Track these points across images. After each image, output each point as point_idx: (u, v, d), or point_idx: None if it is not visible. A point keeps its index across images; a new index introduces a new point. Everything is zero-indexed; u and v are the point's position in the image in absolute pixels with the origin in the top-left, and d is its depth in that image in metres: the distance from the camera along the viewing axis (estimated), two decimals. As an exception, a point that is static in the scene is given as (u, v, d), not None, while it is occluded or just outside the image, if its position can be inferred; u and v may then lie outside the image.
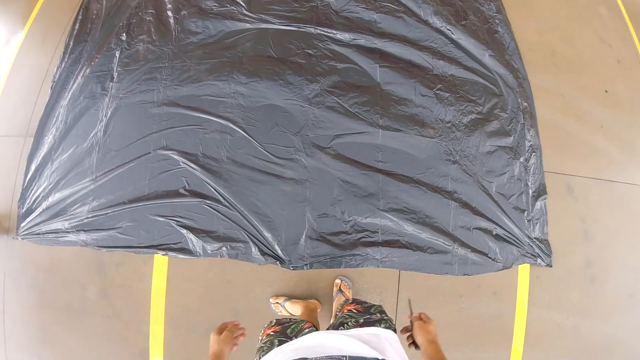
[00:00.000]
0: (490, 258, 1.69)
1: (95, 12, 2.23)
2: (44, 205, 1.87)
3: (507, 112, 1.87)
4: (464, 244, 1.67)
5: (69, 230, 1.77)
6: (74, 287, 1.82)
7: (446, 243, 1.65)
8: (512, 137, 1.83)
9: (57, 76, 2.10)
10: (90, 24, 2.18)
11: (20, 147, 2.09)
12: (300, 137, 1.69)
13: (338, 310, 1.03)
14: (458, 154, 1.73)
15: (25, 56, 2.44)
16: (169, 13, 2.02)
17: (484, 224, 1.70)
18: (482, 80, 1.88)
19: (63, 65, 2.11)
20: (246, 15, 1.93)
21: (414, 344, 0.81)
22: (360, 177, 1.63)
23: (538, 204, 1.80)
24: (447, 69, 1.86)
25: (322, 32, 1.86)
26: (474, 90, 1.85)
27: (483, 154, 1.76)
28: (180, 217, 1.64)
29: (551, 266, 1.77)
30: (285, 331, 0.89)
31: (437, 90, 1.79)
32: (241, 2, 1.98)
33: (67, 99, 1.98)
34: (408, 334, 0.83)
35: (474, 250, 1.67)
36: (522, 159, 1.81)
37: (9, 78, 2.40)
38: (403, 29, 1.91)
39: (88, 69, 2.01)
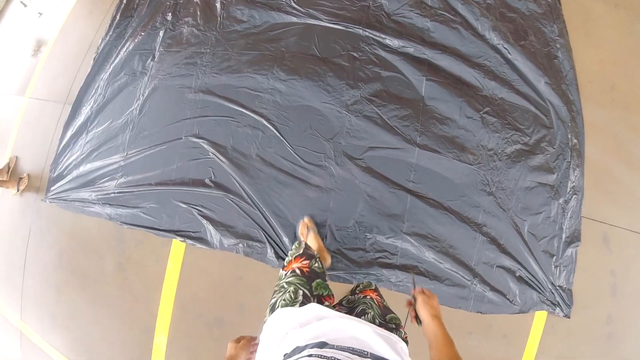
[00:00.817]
0: (508, 299, 1.52)
1: (144, -14, 2.12)
2: (74, 173, 1.83)
3: (555, 147, 1.65)
4: (483, 281, 1.50)
5: (95, 201, 1.71)
6: (93, 255, 1.79)
7: (465, 277, 1.49)
8: (555, 175, 1.62)
9: (100, 48, 2.01)
10: (137, 0, 2.08)
11: (59, 113, 2.04)
12: (332, 144, 1.54)
13: (358, 290, 0.94)
14: (495, 185, 1.54)
15: (73, 24, 2.37)
16: (216, -2, 1.89)
17: (509, 263, 1.53)
18: (533, 109, 1.65)
19: (108, 37, 2.02)
20: (294, 8, 1.76)
21: (416, 318, 0.76)
22: (388, 195, 1.48)
23: (569, 251, 1.60)
24: (497, 91, 1.64)
25: (370, 35, 1.66)
26: (524, 118, 1.64)
27: (521, 188, 1.56)
28: (203, 207, 1.55)
29: (569, 317, 1.59)
30: (311, 282, 0.83)
31: (483, 113, 1.58)
32: (291, -5, 1.82)
33: (108, 73, 1.90)
34: (411, 307, 0.78)
35: (493, 289, 1.51)
36: (561, 200, 1.60)
37: (56, 43, 2.35)
38: (457, 42, 1.69)
39: (131, 45, 1.91)
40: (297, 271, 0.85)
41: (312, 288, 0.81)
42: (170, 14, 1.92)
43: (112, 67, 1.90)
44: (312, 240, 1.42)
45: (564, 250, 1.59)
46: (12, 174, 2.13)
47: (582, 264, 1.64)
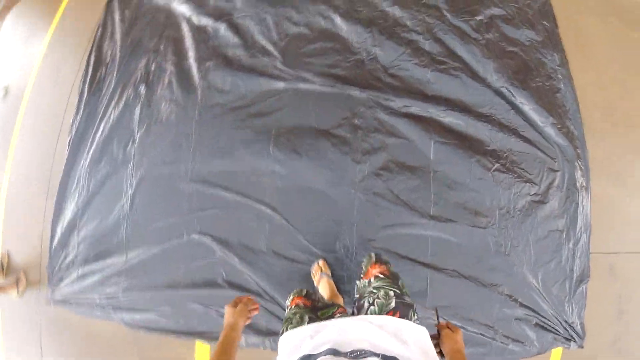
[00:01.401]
0: (526, 346, 1.54)
1: (109, 52, 1.78)
2: (74, 275, 1.63)
3: (563, 189, 1.57)
4: (503, 336, 1.48)
5: (104, 305, 1.57)
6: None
7: (486, 336, 1.45)
8: (564, 219, 1.55)
9: (73, 130, 1.73)
10: (104, 68, 1.75)
11: (43, 205, 1.79)
12: (344, 227, 1.40)
13: (362, 273, 0.90)
14: (509, 243, 1.46)
15: (38, 99, 2.04)
16: (192, 62, 1.61)
17: (525, 313, 1.50)
18: (541, 154, 1.54)
19: (79, 117, 1.73)
20: (281, 71, 1.53)
21: (440, 353, 0.72)
22: (408, 275, 1.40)
23: (580, 289, 1.60)
24: (505, 142, 1.50)
25: (369, 97, 1.47)
26: (532, 166, 1.53)
27: (534, 241, 1.49)
28: (221, 307, 1.43)
29: (582, 347, 1.64)
30: (316, 311, 0.79)
31: (494, 170, 1.46)
32: (275, 53, 1.56)
33: (87, 161, 1.65)
34: (435, 342, 0.73)
35: (513, 340, 1.50)
36: (571, 244, 1.55)
37: (23, 125, 2.03)
38: (460, 91, 1.52)
39: (106, 128, 1.64)
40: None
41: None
42: (143, 86, 1.64)
43: (90, 154, 1.65)
44: (324, 285, 1.34)
45: (575, 290, 1.59)
46: (7, 271, 1.94)
47: (590, 294, 1.66)
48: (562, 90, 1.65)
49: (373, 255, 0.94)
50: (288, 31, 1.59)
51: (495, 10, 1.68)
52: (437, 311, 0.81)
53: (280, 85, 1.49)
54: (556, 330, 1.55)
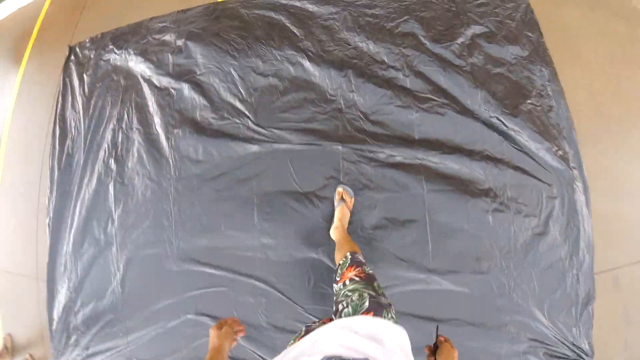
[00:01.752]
0: (538, 376, 1.51)
1: (73, 124, 1.63)
2: (79, 358, 1.61)
3: (564, 215, 1.48)
4: (515, 371, 1.47)
5: (115, 387, 1.54)
6: None
7: (499, 374, 1.45)
8: (567, 246, 1.46)
9: (50, 212, 1.60)
10: (70, 142, 1.60)
11: (35, 289, 1.71)
12: (342, 290, 1.34)
13: (338, 276, 0.87)
14: (513, 282, 1.39)
15: (11, 179, 1.88)
16: (159, 130, 1.46)
17: (534, 346, 1.48)
18: (538, 183, 1.41)
19: (54, 197, 1.60)
20: (254, 131, 1.38)
21: None
22: (412, 331, 1.34)
23: (586, 310, 1.55)
24: (500, 177, 1.38)
25: (351, 150, 1.36)
26: (530, 198, 1.42)
27: (537, 274, 1.43)
28: (227, 384, 1.40)
29: (593, 362, 1.61)
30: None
31: (492, 211, 1.36)
32: (245, 111, 1.41)
33: (70, 245, 1.54)
34: (430, 354, 0.73)
35: (525, 374, 1.48)
36: (574, 270, 1.48)
37: (1, 209, 1.89)
38: (449, 130, 1.37)
39: (83, 208, 1.52)
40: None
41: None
42: (112, 161, 1.50)
43: (71, 236, 1.54)
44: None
45: (581, 313, 1.53)
46: (13, 353, 1.89)
47: (596, 310, 1.61)
48: (555, 108, 1.51)
49: (348, 255, 0.91)
50: (256, 84, 1.43)
51: (476, 29, 1.51)
52: (437, 328, 0.80)
53: (256, 148, 1.36)
54: (565, 355, 1.51)
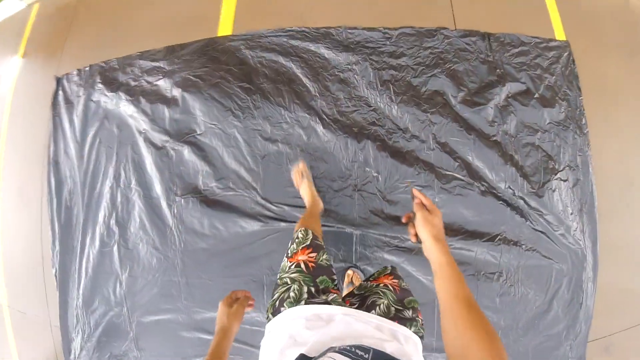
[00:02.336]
0: None
1: (68, 172, 1.47)
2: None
3: (569, 292, 1.42)
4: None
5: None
6: None
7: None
8: (566, 320, 1.43)
9: (56, 263, 1.51)
10: (68, 194, 1.45)
11: (50, 338, 1.69)
12: None
13: (372, 277, 0.82)
14: (510, 357, 1.41)
15: (11, 227, 1.74)
16: (159, 194, 1.30)
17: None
18: (550, 263, 1.32)
19: (57, 249, 1.50)
20: (262, 206, 1.24)
21: (416, 236, 0.59)
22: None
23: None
24: (514, 260, 1.27)
25: (367, 235, 1.23)
26: (539, 278, 1.32)
27: (533, 347, 1.41)
28: None
29: None
30: (316, 278, 0.68)
31: (500, 295, 1.29)
32: (253, 184, 1.24)
33: (80, 300, 1.49)
34: (411, 223, 0.60)
35: None
36: (569, 341, 1.48)
37: (5, 257, 1.78)
38: (469, 212, 1.23)
39: (89, 267, 1.43)
40: (302, 265, 0.70)
41: (317, 284, 0.67)
42: (114, 223, 1.37)
43: (80, 292, 1.47)
44: (305, 189, 1.19)
45: (570, 378, 1.58)
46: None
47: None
48: (581, 181, 1.36)
49: (389, 267, 0.81)
50: (263, 151, 1.24)
51: (512, 86, 1.28)
52: (410, 186, 0.68)
53: (264, 226, 1.23)
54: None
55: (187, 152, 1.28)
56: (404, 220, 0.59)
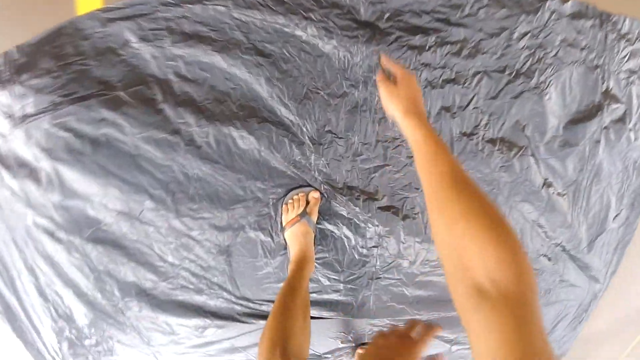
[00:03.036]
0: None
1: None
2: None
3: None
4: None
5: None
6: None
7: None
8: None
9: None
10: None
11: None
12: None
13: None
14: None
15: None
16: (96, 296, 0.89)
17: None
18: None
19: None
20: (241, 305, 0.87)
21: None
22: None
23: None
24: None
25: (384, 321, 0.90)
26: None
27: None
28: None
29: None
30: None
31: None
32: (221, 284, 0.82)
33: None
34: (383, 78, 0.48)
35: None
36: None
37: None
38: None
39: None
40: None
41: None
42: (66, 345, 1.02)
43: None
44: (298, 236, 0.75)
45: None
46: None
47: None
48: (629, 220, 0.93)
49: None
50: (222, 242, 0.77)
51: (611, 111, 0.69)
52: (378, 54, 0.53)
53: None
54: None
55: (102, 252, 0.81)
56: (378, 77, 0.47)
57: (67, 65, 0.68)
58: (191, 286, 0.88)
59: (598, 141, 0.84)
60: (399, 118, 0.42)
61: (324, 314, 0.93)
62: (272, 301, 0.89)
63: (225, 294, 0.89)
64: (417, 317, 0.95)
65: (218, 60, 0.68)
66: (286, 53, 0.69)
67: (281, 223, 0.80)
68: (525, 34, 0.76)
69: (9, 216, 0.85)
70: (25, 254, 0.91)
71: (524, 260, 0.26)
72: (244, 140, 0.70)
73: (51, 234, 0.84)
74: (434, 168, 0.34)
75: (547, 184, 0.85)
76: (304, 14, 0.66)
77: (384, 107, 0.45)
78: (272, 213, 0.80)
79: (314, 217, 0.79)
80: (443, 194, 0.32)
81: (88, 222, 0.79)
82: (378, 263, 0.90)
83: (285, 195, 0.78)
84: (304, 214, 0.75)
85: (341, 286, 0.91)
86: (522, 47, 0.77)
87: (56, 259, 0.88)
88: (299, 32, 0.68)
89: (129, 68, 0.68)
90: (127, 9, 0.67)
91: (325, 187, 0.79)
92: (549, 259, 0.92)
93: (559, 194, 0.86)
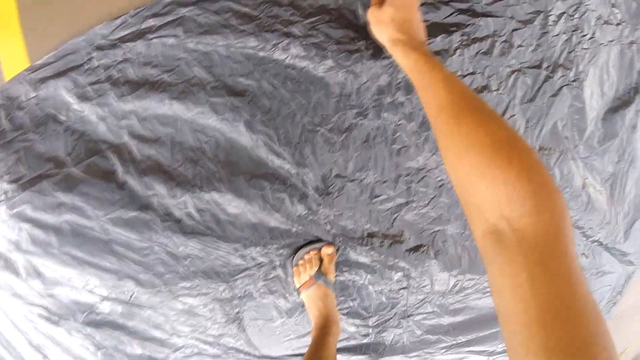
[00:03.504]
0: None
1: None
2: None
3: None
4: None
5: None
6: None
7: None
8: None
9: None
10: None
11: None
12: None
13: None
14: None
15: None
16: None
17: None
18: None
19: None
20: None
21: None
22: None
23: None
24: None
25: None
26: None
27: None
28: None
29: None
30: None
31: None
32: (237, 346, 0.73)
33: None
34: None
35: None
36: None
37: None
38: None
39: None
40: None
41: None
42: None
43: None
44: (316, 301, 0.62)
45: None
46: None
47: None
48: None
49: None
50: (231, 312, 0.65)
51: None
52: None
53: None
54: None
55: (103, 332, 0.73)
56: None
57: (7, 144, 0.54)
58: (205, 352, 0.80)
59: (635, 126, 0.70)
60: (387, 47, 0.38)
61: (353, 359, 0.83)
62: (296, 355, 0.80)
63: (243, 356, 0.80)
64: (454, 342, 0.83)
65: (180, 109, 0.51)
66: (266, 85, 0.51)
67: (294, 282, 0.68)
68: (560, 16, 0.56)
69: (3, 302, 0.78)
70: (29, 334, 0.86)
71: (548, 194, 0.22)
72: (231, 204, 0.56)
73: (47, 319, 0.77)
74: (431, 98, 0.31)
75: (586, 184, 0.69)
76: (284, 29, 0.47)
77: (371, 32, 0.41)
78: (282, 274, 0.67)
79: (332, 277, 0.65)
80: (443, 127, 0.28)
81: (80, 307, 0.70)
82: (409, 302, 0.77)
83: (294, 254, 0.64)
84: (319, 276, 0.61)
85: (370, 330, 0.79)
86: (558, 33, 0.57)
87: (58, 340, 0.82)
88: (279, 55, 0.49)
89: (75, 136, 0.53)
90: (56, 63, 0.50)
91: (341, 239, 0.64)
92: (587, 257, 0.78)
93: (597, 191, 0.70)
